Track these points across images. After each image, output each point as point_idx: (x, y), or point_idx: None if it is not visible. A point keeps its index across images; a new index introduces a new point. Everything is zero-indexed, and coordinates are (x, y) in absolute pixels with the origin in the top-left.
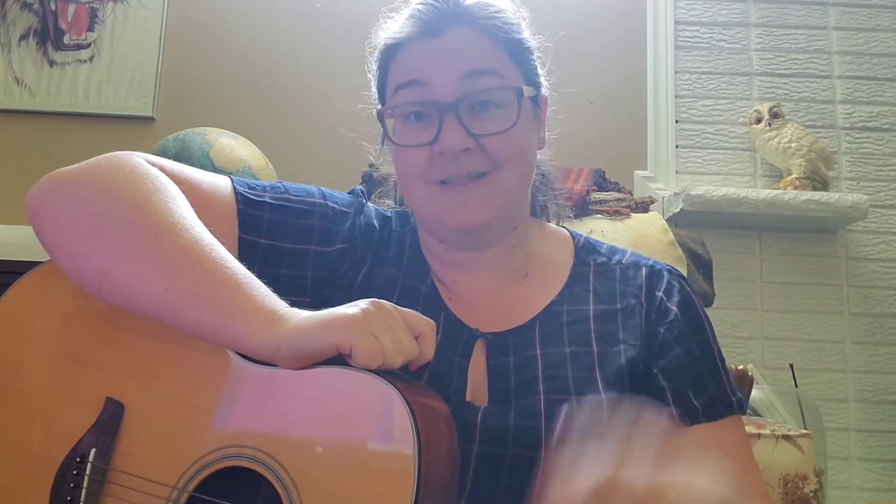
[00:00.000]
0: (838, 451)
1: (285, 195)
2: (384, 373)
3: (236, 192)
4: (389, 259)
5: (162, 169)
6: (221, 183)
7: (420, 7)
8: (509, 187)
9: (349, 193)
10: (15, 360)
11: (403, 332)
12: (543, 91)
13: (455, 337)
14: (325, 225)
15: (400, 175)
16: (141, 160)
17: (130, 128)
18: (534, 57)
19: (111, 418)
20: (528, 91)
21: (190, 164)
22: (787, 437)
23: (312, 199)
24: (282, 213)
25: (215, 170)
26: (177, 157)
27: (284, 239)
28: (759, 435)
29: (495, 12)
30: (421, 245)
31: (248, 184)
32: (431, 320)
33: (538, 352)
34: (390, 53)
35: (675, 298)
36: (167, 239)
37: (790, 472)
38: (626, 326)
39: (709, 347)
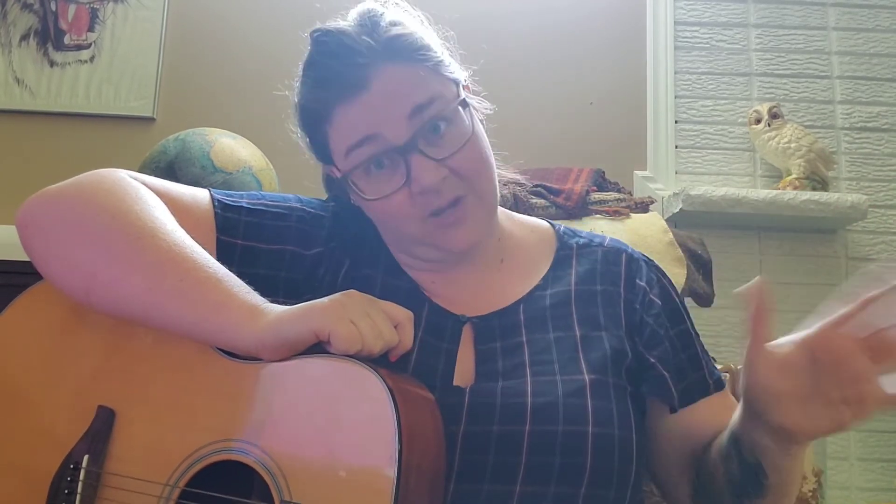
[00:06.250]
0: (838, 451)
1: (262, 200)
2: (366, 360)
3: (213, 199)
4: (365, 259)
5: (144, 183)
6: (200, 194)
7: (333, 63)
8: (489, 198)
9: (326, 200)
10: (9, 376)
11: (381, 318)
12: (463, 80)
13: (441, 325)
14: (302, 227)
15: (389, 221)
16: (123, 175)
17: (131, 128)
18: (442, 55)
19: (103, 425)
20: (463, 93)
21: (190, 165)
22: None
23: (289, 204)
24: (258, 215)
25: (216, 170)
26: (177, 158)
27: (261, 240)
28: None
29: (406, 40)
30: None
31: (225, 192)
32: (409, 311)
33: (524, 338)
34: (320, 118)
35: (656, 290)
36: (149, 242)
37: None
38: (607, 314)
39: (692, 336)
